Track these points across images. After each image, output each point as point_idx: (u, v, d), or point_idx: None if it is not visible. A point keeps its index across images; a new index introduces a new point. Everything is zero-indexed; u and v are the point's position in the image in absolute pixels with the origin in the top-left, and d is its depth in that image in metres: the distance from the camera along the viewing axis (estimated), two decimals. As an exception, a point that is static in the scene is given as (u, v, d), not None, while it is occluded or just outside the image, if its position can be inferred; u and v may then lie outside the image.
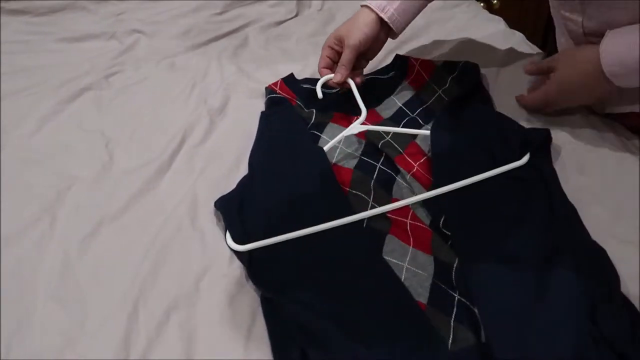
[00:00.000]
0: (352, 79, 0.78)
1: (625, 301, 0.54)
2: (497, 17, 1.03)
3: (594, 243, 0.59)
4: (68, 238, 0.64)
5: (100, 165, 0.74)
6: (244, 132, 0.78)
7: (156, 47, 1.00)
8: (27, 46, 1.02)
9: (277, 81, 0.85)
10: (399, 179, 0.70)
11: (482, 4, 1.44)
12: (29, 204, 0.68)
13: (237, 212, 0.63)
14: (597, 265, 0.57)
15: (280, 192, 0.66)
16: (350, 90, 0.82)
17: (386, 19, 0.76)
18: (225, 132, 0.80)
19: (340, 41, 0.77)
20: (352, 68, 0.78)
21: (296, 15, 1.09)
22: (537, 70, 0.77)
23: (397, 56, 0.87)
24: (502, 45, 0.93)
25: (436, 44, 0.95)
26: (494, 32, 0.97)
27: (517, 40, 0.94)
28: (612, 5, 0.64)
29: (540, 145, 0.69)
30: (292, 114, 0.78)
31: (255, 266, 0.59)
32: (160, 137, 0.78)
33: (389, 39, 0.82)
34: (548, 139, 0.70)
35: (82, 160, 0.75)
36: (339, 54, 0.78)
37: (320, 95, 0.77)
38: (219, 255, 0.62)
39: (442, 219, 0.63)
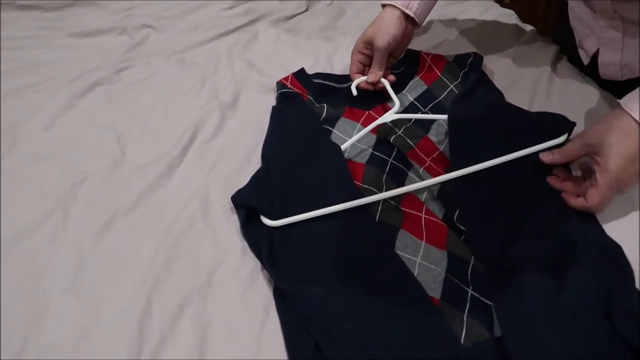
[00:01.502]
0: (384, 78, 0.80)
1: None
2: (508, 10, 1.03)
3: (610, 239, 0.59)
4: (81, 232, 0.64)
5: (112, 160, 0.74)
6: (255, 126, 0.78)
7: (166, 42, 1.00)
8: (38, 41, 1.03)
9: (288, 76, 0.85)
10: (411, 173, 0.69)
11: (493, -2, 1.44)
12: (42, 198, 0.69)
13: (261, 197, 0.64)
14: (613, 261, 0.56)
15: (294, 185, 0.66)
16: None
17: (412, 15, 0.77)
18: (236, 127, 0.80)
19: (369, 44, 0.78)
20: None
21: (306, 10, 1.09)
22: (565, 158, 0.64)
23: (409, 51, 0.86)
24: (513, 39, 0.92)
25: (447, 38, 0.95)
26: (506, 26, 0.97)
27: (529, 35, 0.94)
28: None
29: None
30: (304, 109, 0.78)
31: (273, 254, 0.59)
32: (171, 132, 0.78)
33: None
34: (573, 125, 0.68)
35: (94, 155, 0.75)
36: (369, 57, 0.80)
37: (355, 93, 0.79)
38: (230, 249, 0.62)
39: (457, 214, 0.63)
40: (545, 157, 0.64)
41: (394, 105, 0.76)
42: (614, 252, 0.57)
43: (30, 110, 0.84)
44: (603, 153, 0.58)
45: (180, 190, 0.70)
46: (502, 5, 1.30)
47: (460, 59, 0.83)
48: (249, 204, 0.64)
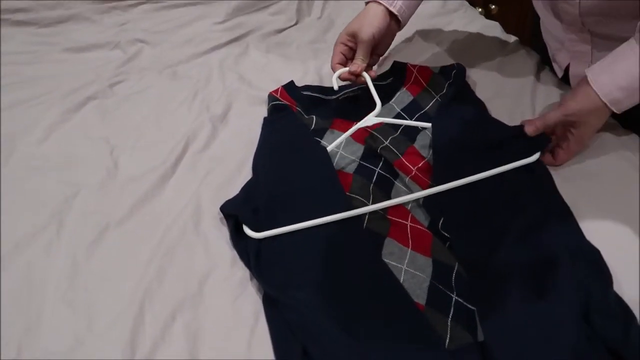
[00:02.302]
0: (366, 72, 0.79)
1: (618, 300, 0.55)
2: (493, 22, 1.05)
3: (589, 244, 0.60)
4: (75, 243, 0.65)
5: (105, 172, 0.76)
6: (246, 138, 0.80)
7: (159, 56, 1.02)
8: (34, 57, 1.05)
9: (278, 88, 0.87)
10: (397, 182, 0.71)
11: (480, 10, 1.46)
12: (37, 210, 0.70)
13: (247, 207, 0.66)
14: (591, 266, 0.58)
15: (284, 193, 0.68)
16: (350, 97, 0.84)
17: (395, 12, 0.78)
18: (227, 138, 0.82)
19: (353, 37, 0.78)
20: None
21: (296, 23, 1.11)
22: (543, 128, 0.71)
23: (395, 63, 0.89)
24: (498, 50, 0.95)
25: (433, 49, 0.97)
26: (490, 37, 0.99)
27: (513, 45, 0.96)
28: None
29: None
30: (295, 120, 0.80)
31: (261, 262, 0.61)
32: (163, 144, 0.80)
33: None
34: (548, 142, 0.71)
35: (87, 167, 0.77)
36: (352, 50, 0.79)
37: (336, 86, 0.79)
38: (221, 258, 0.64)
39: (441, 221, 0.64)
40: (530, 129, 0.71)
41: (380, 116, 0.78)
42: (593, 256, 0.59)
43: (25, 124, 0.86)
44: (580, 128, 0.68)
45: (173, 201, 0.71)
46: (488, 16, 1.33)
47: (445, 70, 0.85)
48: (234, 214, 0.65)
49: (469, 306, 0.57)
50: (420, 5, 1.09)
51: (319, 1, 1.17)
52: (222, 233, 0.67)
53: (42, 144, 0.82)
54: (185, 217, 0.68)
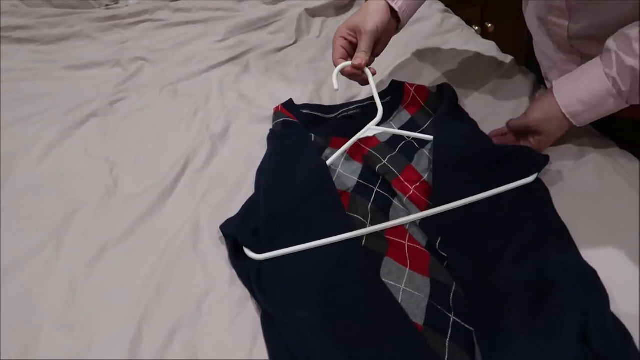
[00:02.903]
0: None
1: (615, 321, 0.55)
2: (489, 41, 1.06)
3: (586, 264, 0.61)
4: (74, 262, 0.65)
5: (105, 190, 0.76)
6: (245, 156, 0.81)
7: (159, 74, 1.03)
8: (34, 74, 1.06)
9: (278, 106, 0.87)
10: (395, 202, 0.72)
11: (476, 28, 1.49)
12: (35, 228, 0.70)
13: (247, 227, 0.66)
14: (588, 285, 0.58)
15: (285, 212, 0.68)
16: (348, 115, 0.84)
17: (396, 9, 0.76)
18: (226, 156, 0.82)
19: (354, 31, 0.75)
20: None
21: (295, 42, 1.13)
22: (512, 130, 0.77)
23: (393, 82, 0.90)
24: (494, 69, 0.96)
25: (430, 69, 0.98)
26: (487, 57, 1.00)
27: (509, 65, 0.97)
28: (598, 11, 0.67)
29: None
30: (305, 137, 0.80)
31: (262, 282, 0.61)
32: (163, 162, 0.81)
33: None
34: (546, 161, 0.72)
35: (87, 185, 0.77)
36: (352, 45, 0.76)
37: (336, 84, 0.74)
38: (220, 276, 0.64)
39: (439, 241, 0.65)
40: (495, 136, 0.78)
41: (379, 135, 0.79)
42: (590, 276, 0.59)
43: (25, 142, 0.86)
44: (540, 135, 0.73)
45: (172, 219, 0.72)
46: (485, 35, 1.35)
47: (440, 89, 0.86)
48: (234, 235, 0.66)
49: (467, 326, 0.57)
50: (417, 25, 1.12)
51: (318, 19, 1.19)
52: (220, 251, 0.67)
53: (42, 161, 0.82)
54: (184, 235, 0.68)
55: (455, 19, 1.16)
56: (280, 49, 1.10)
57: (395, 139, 0.81)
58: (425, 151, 0.77)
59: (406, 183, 0.72)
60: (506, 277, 0.60)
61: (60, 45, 1.14)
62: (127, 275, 0.64)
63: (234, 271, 0.64)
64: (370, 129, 0.75)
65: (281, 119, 0.84)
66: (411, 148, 0.79)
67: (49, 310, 0.60)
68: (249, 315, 0.60)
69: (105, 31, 1.17)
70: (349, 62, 0.75)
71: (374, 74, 0.77)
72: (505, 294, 0.58)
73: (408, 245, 0.65)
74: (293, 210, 0.68)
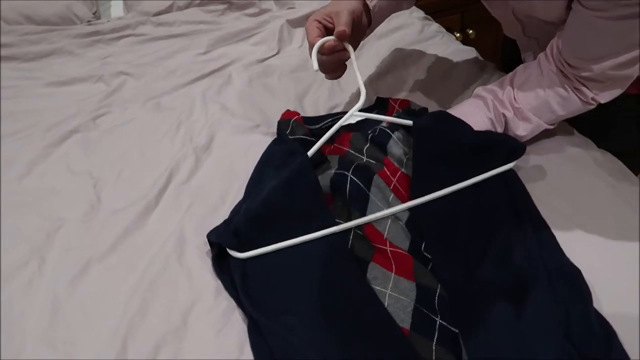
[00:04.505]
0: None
1: (598, 317, 0.56)
2: (469, 47, 1.08)
3: (570, 263, 0.61)
4: (57, 279, 0.65)
5: (88, 206, 0.75)
6: (229, 168, 0.81)
7: (142, 88, 1.03)
8: (16, 91, 1.05)
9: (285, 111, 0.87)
10: (372, 196, 0.70)
11: (458, 34, 1.51)
12: (18, 246, 0.70)
13: (229, 230, 0.65)
14: (572, 284, 0.59)
15: (268, 210, 0.66)
16: (330, 125, 0.84)
17: (370, 7, 0.76)
18: (210, 169, 0.82)
19: (329, 16, 0.71)
20: None
21: (277, 53, 1.13)
22: None
23: (378, 98, 0.90)
24: (475, 76, 0.97)
25: (412, 76, 0.99)
26: (467, 61, 1.02)
27: (490, 70, 0.99)
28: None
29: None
30: (305, 144, 0.77)
31: (248, 286, 0.61)
32: (147, 176, 0.80)
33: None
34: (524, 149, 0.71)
35: (70, 201, 0.77)
36: (328, 29, 0.71)
37: (315, 65, 0.69)
38: (205, 289, 0.63)
39: (423, 245, 0.65)
40: None
41: (356, 128, 0.78)
42: (573, 275, 0.60)
43: (7, 160, 0.85)
44: None
45: (156, 233, 0.71)
46: (466, 41, 1.36)
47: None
48: (218, 240, 0.65)
49: (453, 329, 0.57)
50: (399, 33, 1.13)
51: (299, 30, 1.20)
52: (205, 264, 0.66)
53: (24, 179, 0.82)
54: (168, 249, 0.68)
55: (435, 26, 1.18)
56: (262, 60, 1.11)
57: (366, 127, 0.81)
58: (397, 140, 0.76)
59: (389, 174, 0.72)
60: (489, 277, 0.60)
61: (42, 62, 1.14)
62: (111, 291, 0.63)
63: (219, 283, 0.64)
64: (353, 115, 0.72)
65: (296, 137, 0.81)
66: (383, 140, 0.77)
67: (33, 327, 0.59)
68: (235, 328, 0.59)
69: (87, 47, 1.17)
70: (330, 37, 0.69)
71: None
72: (488, 294, 0.59)
73: (390, 250, 0.65)
74: (274, 206, 0.67)
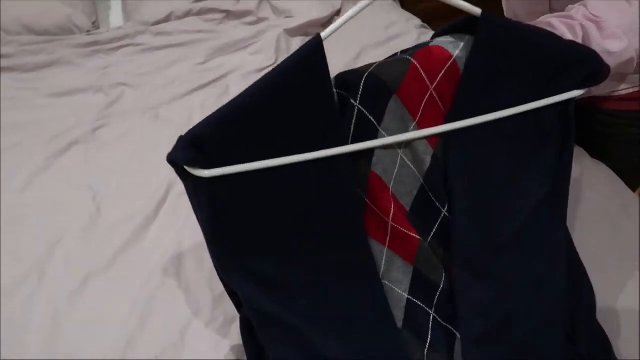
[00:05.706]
0: None
1: (598, 325, 0.56)
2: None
3: (578, 260, 0.58)
4: (57, 294, 0.66)
5: (88, 219, 0.76)
6: (227, 179, 0.81)
7: (141, 99, 1.04)
8: (17, 102, 1.06)
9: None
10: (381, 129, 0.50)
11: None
12: (19, 260, 0.71)
13: (188, 138, 0.47)
14: (580, 288, 0.58)
15: (240, 111, 0.46)
16: None
17: None
18: (208, 180, 0.83)
19: None
20: None
21: (275, 62, 1.14)
22: None
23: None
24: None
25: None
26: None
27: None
28: None
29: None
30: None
31: (217, 218, 0.46)
32: (146, 188, 0.81)
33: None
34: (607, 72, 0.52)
35: (70, 214, 0.77)
36: None
37: None
38: (203, 302, 0.64)
39: (445, 209, 0.53)
40: None
41: None
42: (583, 275, 0.58)
43: (8, 172, 0.86)
44: None
45: (155, 245, 0.72)
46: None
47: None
48: (173, 159, 0.45)
49: (449, 327, 0.55)
50: (396, 41, 1.13)
51: (297, 39, 1.21)
52: (203, 277, 0.67)
53: (24, 191, 0.83)
54: (166, 262, 0.69)
55: (431, 34, 1.18)
56: (260, 70, 1.11)
57: None
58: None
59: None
60: (509, 264, 0.55)
61: (42, 73, 1.15)
62: (110, 306, 0.64)
63: (216, 295, 0.65)
64: None
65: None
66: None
67: (34, 342, 0.60)
68: (232, 341, 0.60)
69: (87, 57, 1.18)
70: None
71: None
72: (498, 292, 0.54)
73: (392, 225, 0.52)
74: (261, 104, 0.45)
